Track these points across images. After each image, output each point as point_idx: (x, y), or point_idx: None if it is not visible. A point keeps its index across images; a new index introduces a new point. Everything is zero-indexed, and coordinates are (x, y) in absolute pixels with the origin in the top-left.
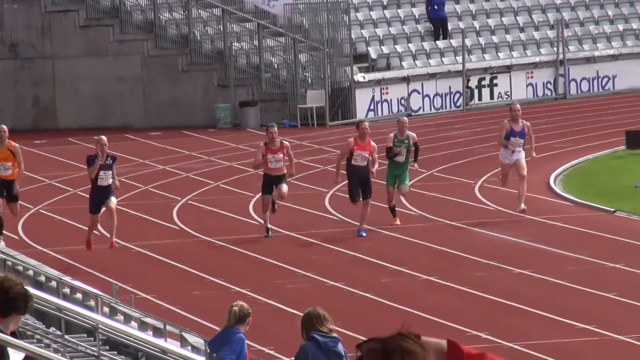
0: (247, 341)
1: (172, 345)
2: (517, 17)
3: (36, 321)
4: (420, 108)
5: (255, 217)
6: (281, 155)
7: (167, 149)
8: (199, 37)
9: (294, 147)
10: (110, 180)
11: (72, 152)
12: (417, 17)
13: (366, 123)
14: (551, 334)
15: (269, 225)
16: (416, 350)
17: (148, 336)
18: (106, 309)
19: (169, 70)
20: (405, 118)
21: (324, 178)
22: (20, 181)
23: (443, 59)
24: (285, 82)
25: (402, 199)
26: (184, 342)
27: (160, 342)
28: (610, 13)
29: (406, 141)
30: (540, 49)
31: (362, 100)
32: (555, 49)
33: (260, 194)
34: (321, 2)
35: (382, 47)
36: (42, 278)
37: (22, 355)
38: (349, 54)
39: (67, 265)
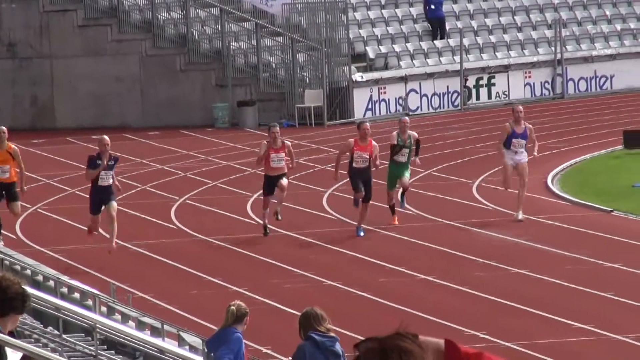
0: (244, 341)
1: (169, 344)
2: (515, 17)
3: (34, 321)
4: (418, 108)
5: (253, 216)
6: (283, 155)
7: (165, 148)
8: (197, 37)
9: (292, 146)
10: (111, 180)
11: (70, 152)
12: (415, 16)
13: (367, 124)
14: (549, 334)
15: (267, 224)
16: (414, 349)
17: (146, 336)
18: (104, 309)
19: (167, 70)
20: (407, 118)
21: (322, 177)
22: (24, 182)
23: (441, 58)
24: (283, 81)
25: (401, 199)
26: (181, 342)
27: (157, 341)
28: (608, 13)
29: (408, 140)
30: (538, 49)
31: (360, 100)
32: (553, 48)
33: (258, 194)
34: (319, 1)
35: (380, 46)
36: (40, 277)
37: (20, 354)
38: (346, 54)
39: (64, 264)
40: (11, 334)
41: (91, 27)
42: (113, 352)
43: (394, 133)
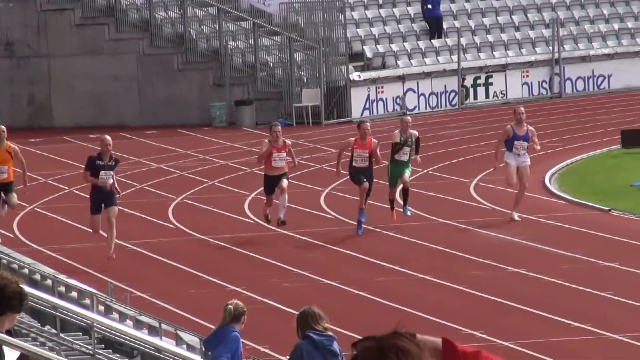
0: (242, 340)
1: (167, 343)
2: (513, 16)
3: (31, 319)
4: (415, 107)
5: (251, 215)
6: (284, 154)
7: (162, 147)
8: (194, 36)
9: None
10: (111, 181)
11: (67, 151)
12: (412, 16)
13: (368, 124)
14: (547, 333)
15: (268, 214)
16: (411, 349)
17: (143, 335)
18: (101, 308)
19: (164, 69)
20: (409, 117)
21: (319, 177)
22: (27, 179)
23: (438, 57)
24: (280, 80)
25: (404, 206)
26: (179, 341)
27: (155, 340)
28: (605, 12)
29: (410, 139)
30: (536, 48)
31: (357, 99)
32: (550, 47)
33: (255, 193)
34: (316, 1)
35: (377, 46)
36: (38, 276)
37: (17, 353)
38: (344, 53)
39: (62, 263)
40: (8, 332)
41: (88, 26)
42: (111, 351)
43: (396, 132)
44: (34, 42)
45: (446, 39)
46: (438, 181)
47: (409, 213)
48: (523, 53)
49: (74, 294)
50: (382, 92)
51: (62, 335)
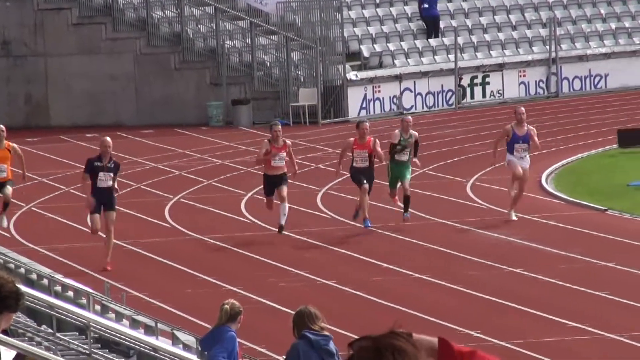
0: (238, 339)
1: (163, 343)
2: (510, 15)
3: (27, 319)
4: (412, 106)
5: (247, 215)
6: (284, 154)
7: (159, 147)
8: (191, 35)
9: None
10: (110, 182)
11: (64, 150)
12: (409, 15)
13: (366, 123)
14: (543, 333)
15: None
16: (408, 348)
17: (140, 334)
18: (98, 307)
19: (161, 68)
20: (410, 117)
21: (316, 176)
22: (25, 171)
23: (435, 57)
24: (277, 80)
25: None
26: (175, 340)
27: (151, 340)
28: (602, 11)
29: (410, 139)
30: (533, 47)
31: (354, 99)
32: (547, 47)
33: (252, 192)
34: (314, 0)
35: (374, 45)
36: (34, 276)
37: (14, 353)
38: (341, 52)
39: (58, 263)
40: (5, 332)
41: (85, 25)
42: (107, 350)
43: (396, 132)
44: (31, 42)
45: (443, 39)
46: (435, 181)
47: (407, 215)
48: (520, 52)
49: (71, 293)
50: (379, 91)
51: (58, 334)
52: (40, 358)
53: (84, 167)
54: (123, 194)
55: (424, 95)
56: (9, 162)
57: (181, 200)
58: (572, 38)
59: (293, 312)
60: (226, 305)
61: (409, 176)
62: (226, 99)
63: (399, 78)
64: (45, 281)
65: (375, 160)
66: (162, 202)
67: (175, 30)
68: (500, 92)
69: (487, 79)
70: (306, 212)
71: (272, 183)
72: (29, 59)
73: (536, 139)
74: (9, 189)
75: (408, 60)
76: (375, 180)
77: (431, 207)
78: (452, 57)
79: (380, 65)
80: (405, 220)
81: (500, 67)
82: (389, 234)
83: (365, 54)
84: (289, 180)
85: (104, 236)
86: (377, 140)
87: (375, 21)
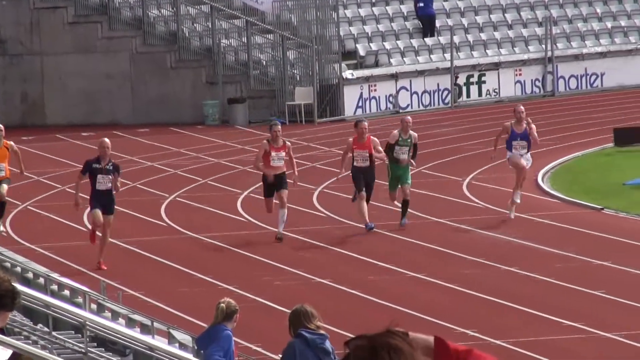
0: (234, 338)
1: (159, 342)
2: (506, 14)
3: (24, 318)
4: (408, 105)
5: (243, 213)
6: (283, 154)
7: (155, 145)
8: (187, 34)
9: None
10: (109, 185)
11: (60, 149)
12: (405, 14)
13: (365, 123)
14: (539, 331)
15: (281, 231)
16: (404, 347)
17: (136, 333)
18: (94, 306)
19: (157, 67)
20: (409, 117)
21: (312, 175)
22: (23, 165)
23: (431, 56)
24: (273, 79)
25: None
26: (171, 339)
27: (147, 339)
28: (598, 10)
29: (409, 140)
30: (529, 46)
31: (350, 98)
32: (543, 46)
33: (248, 191)
34: None
35: (370, 44)
36: (30, 275)
37: (10, 352)
38: (337, 51)
39: (55, 261)
40: (1, 331)
41: (81, 24)
42: (103, 349)
43: (395, 132)
44: (27, 40)
45: (439, 37)
46: (431, 179)
47: (404, 222)
48: (516, 51)
49: (67, 292)
50: (375, 90)
51: (54, 333)
52: (36, 357)
53: (82, 167)
54: (119, 192)
55: (420, 94)
56: (7, 161)
57: (177, 199)
58: (568, 37)
59: (289, 311)
60: (222, 304)
61: (409, 180)
62: (222, 97)
63: (395, 77)
64: (41, 280)
65: (376, 159)
66: (158, 200)
67: (171, 29)
68: (496, 91)
69: (483, 78)
70: (302, 211)
71: (272, 184)
72: (25, 57)
73: (535, 134)
74: (4, 187)
75: (404, 59)
76: (376, 180)
77: (427, 206)
78: (448, 55)
79: (377, 64)
80: (402, 226)
81: (496, 65)
82: (385, 233)
83: (361, 52)
84: (289, 184)
85: (99, 234)
86: (377, 140)
87: (371, 20)
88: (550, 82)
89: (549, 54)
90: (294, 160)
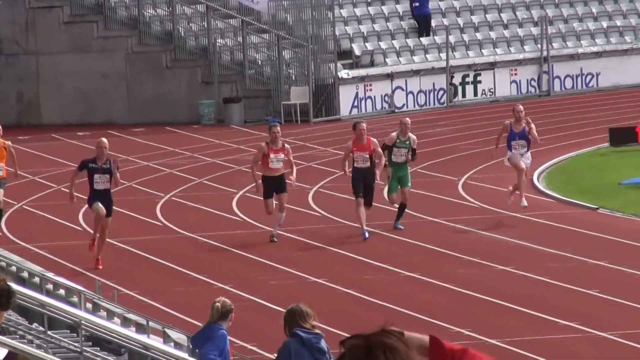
0: (229, 337)
1: (154, 341)
2: (501, 14)
3: (19, 317)
4: (404, 105)
5: (239, 213)
6: (282, 156)
7: (150, 145)
8: (183, 34)
9: None
10: (107, 185)
11: (55, 148)
12: (401, 13)
13: (364, 124)
14: (535, 331)
15: (275, 232)
16: (399, 346)
17: (131, 332)
18: (89, 305)
19: (153, 67)
20: (408, 119)
21: (307, 175)
22: (17, 169)
23: (427, 55)
24: (269, 78)
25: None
26: (166, 338)
27: (143, 338)
28: (594, 10)
29: (407, 142)
30: (524, 46)
31: (345, 97)
32: (539, 45)
33: (243, 190)
34: None
35: (365, 43)
36: (25, 274)
37: (5, 351)
38: (332, 51)
39: (50, 261)
40: None
41: (77, 23)
42: (98, 348)
43: (394, 134)
44: (23, 40)
45: (435, 37)
46: (426, 179)
47: (399, 227)
48: (511, 51)
49: (62, 291)
50: (371, 90)
51: (49, 332)
52: (32, 356)
53: (77, 166)
54: (115, 192)
55: (415, 94)
56: (4, 161)
57: (172, 198)
58: (564, 37)
59: (284, 310)
60: (217, 303)
61: (409, 182)
62: (218, 97)
63: (390, 76)
64: (36, 279)
65: (377, 160)
66: (154, 200)
67: (166, 28)
68: (491, 90)
69: (478, 78)
70: (298, 211)
71: (271, 185)
72: (21, 57)
73: (535, 133)
74: (0, 192)
75: (399, 58)
76: (376, 181)
77: (423, 206)
78: (443, 55)
79: (372, 64)
80: (395, 229)
81: (491, 65)
82: (380, 232)
83: (357, 52)
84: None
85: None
86: (376, 142)
87: (367, 19)
88: (546, 82)
89: (545, 53)
90: (294, 163)
